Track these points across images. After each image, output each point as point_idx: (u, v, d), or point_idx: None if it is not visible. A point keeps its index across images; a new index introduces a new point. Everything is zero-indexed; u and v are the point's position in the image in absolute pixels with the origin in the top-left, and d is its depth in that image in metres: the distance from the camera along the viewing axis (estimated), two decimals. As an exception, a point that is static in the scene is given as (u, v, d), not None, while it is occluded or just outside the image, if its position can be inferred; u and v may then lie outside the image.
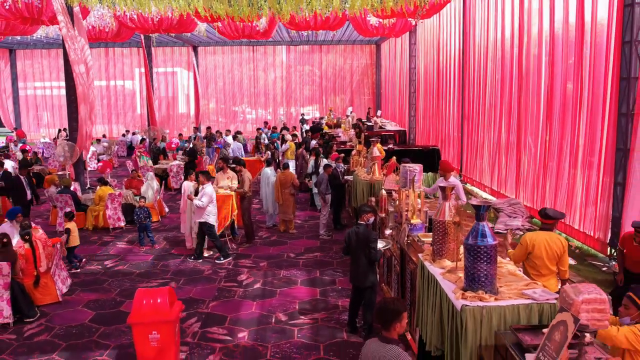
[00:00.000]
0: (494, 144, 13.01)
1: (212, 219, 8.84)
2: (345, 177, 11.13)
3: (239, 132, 22.85)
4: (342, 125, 20.50)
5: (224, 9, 12.03)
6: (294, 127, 22.28)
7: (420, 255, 4.87)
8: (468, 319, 3.59)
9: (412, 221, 6.16)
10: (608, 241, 8.33)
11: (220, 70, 28.88)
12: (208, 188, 8.77)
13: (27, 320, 6.57)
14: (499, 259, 4.51)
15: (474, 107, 14.31)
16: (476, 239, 3.73)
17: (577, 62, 9.10)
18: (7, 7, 13.06)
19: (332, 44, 27.53)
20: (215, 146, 17.67)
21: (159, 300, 5.13)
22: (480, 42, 13.70)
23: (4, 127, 29.68)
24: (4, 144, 21.81)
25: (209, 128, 22.43)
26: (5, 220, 7.86)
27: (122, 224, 11.14)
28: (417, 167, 6.63)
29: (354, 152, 12.21)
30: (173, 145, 16.47)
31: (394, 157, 9.54)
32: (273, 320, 6.57)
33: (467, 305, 3.61)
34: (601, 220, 8.54)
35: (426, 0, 12.08)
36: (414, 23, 16.46)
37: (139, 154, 16.07)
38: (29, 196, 10.22)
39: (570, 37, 9.30)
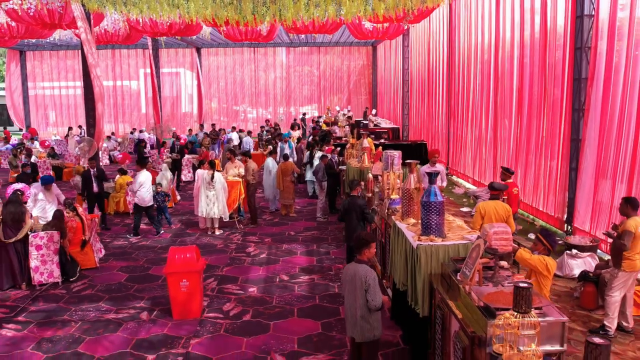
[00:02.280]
0: (476, 139, 14.35)
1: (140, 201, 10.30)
2: (340, 167, 12.49)
3: (241, 130, 24.25)
4: (339, 122, 21.96)
5: (231, 16, 13.32)
6: (298, 126, 23.56)
7: (393, 217, 6.21)
8: (421, 254, 4.92)
9: (391, 197, 7.48)
10: (565, 219, 9.69)
11: (223, 71, 30.08)
12: (139, 176, 10.27)
13: (72, 279, 7.89)
14: (451, 217, 5.86)
15: (458, 106, 15.65)
16: (429, 198, 5.06)
17: (541, 65, 10.45)
18: (31, 14, 14.38)
19: (330, 45, 28.69)
20: (221, 140, 19.07)
21: (188, 255, 6.46)
22: (464, 47, 15.05)
23: (12, 125, 31.00)
24: (18, 142, 23.06)
25: (213, 125, 23.79)
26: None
27: (140, 209, 12.44)
28: (397, 153, 7.95)
29: (348, 145, 13.57)
30: (182, 141, 17.77)
31: (380, 147, 10.90)
32: (277, 280, 7.91)
33: (421, 244, 4.94)
34: (559, 202, 9.89)
35: (413, 6, 13.36)
36: (405, 27, 17.75)
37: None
38: (95, 188, 10.78)
39: (536, 43, 10.65)
